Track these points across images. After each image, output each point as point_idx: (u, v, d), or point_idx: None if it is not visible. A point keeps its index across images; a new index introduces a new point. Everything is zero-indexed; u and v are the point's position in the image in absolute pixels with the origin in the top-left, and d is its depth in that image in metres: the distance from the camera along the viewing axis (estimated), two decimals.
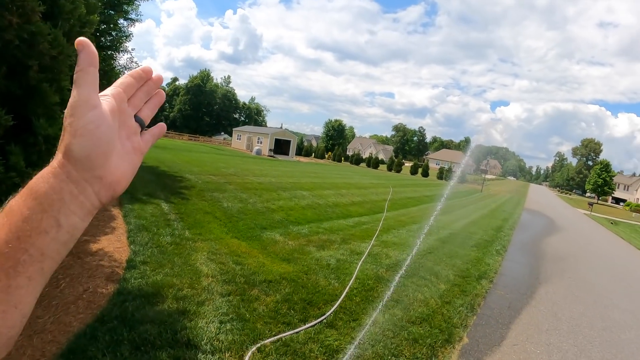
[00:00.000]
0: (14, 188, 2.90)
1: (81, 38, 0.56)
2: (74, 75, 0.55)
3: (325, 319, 4.87)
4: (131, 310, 4.18)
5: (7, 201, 0.51)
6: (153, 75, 0.67)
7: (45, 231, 0.50)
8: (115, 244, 6.15)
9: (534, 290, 8.35)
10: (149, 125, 0.68)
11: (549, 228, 21.10)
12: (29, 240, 0.49)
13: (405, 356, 4.46)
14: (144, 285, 4.88)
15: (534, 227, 20.60)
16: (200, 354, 3.62)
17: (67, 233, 0.52)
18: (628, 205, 73.10)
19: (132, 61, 21.50)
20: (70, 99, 0.54)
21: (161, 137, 0.71)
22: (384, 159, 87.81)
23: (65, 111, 0.54)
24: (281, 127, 62.75)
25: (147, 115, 0.67)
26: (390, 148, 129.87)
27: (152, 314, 4.20)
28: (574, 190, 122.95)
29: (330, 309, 5.15)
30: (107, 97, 0.59)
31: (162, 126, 0.71)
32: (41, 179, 0.52)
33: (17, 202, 0.51)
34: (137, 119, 0.64)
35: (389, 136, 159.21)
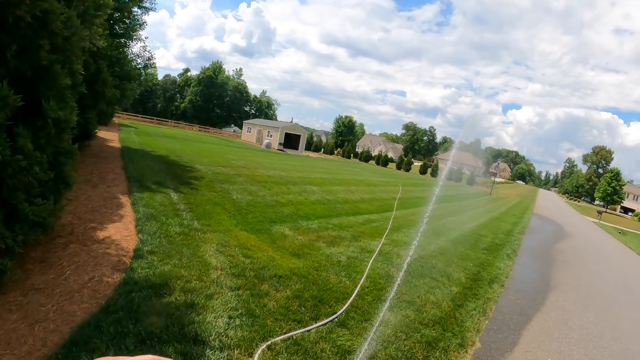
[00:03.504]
0: (21, 172, 2.76)
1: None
2: None
3: (336, 317, 4.72)
4: (137, 302, 4.05)
5: None
6: None
7: None
8: (122, 232, 6.03)
9: (545, 296, 8.22)
10: None
11: (558, 234, 20.88)
12: None
13: (418, 359, 4.31)
14: (151, 275, 4.75)
15: (544, 232, 20.41)
16: (208, 350, 3.47)
17: None
18: (637, 215, 71.67)
19: (145, 50, 21.54)
20: None
21: None
22: (394, 157, 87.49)
23: None
24: (291, 122, 62.53)
25: None
26: (400, 147, 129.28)
27: (159, 306, 4.06)
28: (582, 198, 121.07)
29: (341, 308, 5.00)
30: None
31: None
32: None
33: None
34: None
35: (399, 135, 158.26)
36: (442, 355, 4.54)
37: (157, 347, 3.33)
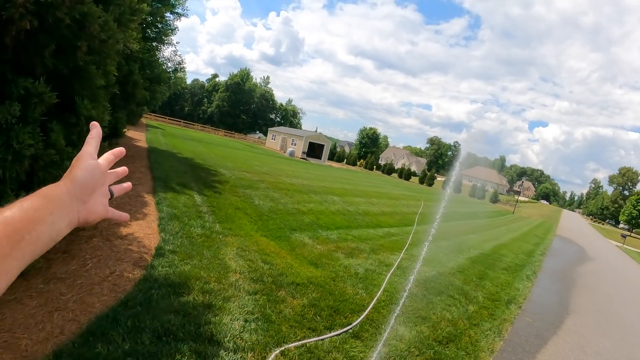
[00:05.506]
0: (52, 165, 2.85)
1: (94, 122, 0.84)
2: (87, 139, 0.81)
3: (351, 328, 4.70)
4: (156, 298, 4.11)
5: (23, 198, 0.66)
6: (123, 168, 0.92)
7: (44, 222, 0.65)
8: (145, 230, 6.15)
9: (562, 320, 8.01)
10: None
11: (580, 257, 20.46)
12: (33, 225, 0.63)
13: None
14: (171, 274, 4.82)
15: (565, 255, 20.03)
16: (222, 351, 3.50)
17: (55, 231, 0.68)
18: None
19: (175, 54, 21.95)
20: (80, 151, 0.79)
21: (116, 219, 0.90)
22: (417, 171, 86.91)
23: (75, 158, 0.78)
24: (316, 131, 62.85)
25: (116, 191, 0.88)
26: (424, 160, 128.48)
27: (177, 304, 4.12)
28: (607, 220, 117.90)
29: (357, 319, 4.97)
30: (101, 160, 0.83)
31: (124, 216, 0.92)
32: (51, 187, 0.71)
33: (31, 197, 0.67)
34: (109, 189, 0.86)
35: (422, 148, 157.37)
36: None
37: (172, 344, 3.38)
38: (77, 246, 5.01)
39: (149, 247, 5.56)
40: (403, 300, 6.18)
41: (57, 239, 0.69)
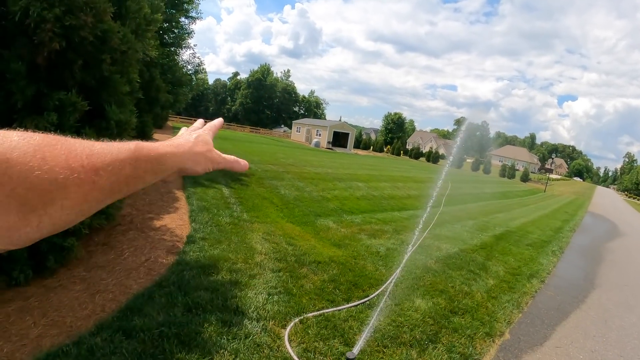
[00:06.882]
0: None
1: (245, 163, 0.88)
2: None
3: (368, 300, 5.03)
4: (187, 278, 4.58)
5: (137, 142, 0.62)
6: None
7: (145, 182, 0.64)
8: (177, 222, 6.65)
9: (587, 294, 7.85)
10: None
11: (611, 233, 19.57)
12: (127, 185, 0.59)
13: (443, 343, 4.46)
14: (202, 257, 5.29)
15: (596, 230, 19.33)
16: (246, 320, 3.92)
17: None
18: None
19: (194, 56, 22.62)
20: (220, 157, 0.81)
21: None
22: (445, 154, 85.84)
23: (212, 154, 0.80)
24: (340, 120, 63.04)
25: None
26: (452, 143, 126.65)
27: (206, 282, 4.57)
28: None
29: (374, 292, 5.30)
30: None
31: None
32: (160, 155, 0.67)
33: (140, 155, 0.61)
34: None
35: (450, 130, 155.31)
36: (467, 342, 4.62)
37: (201, 316, 3.82)
38: (114, 239, 5.54)
39: (181, 236, 6.05)
40: (422, 275, 6.47)
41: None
